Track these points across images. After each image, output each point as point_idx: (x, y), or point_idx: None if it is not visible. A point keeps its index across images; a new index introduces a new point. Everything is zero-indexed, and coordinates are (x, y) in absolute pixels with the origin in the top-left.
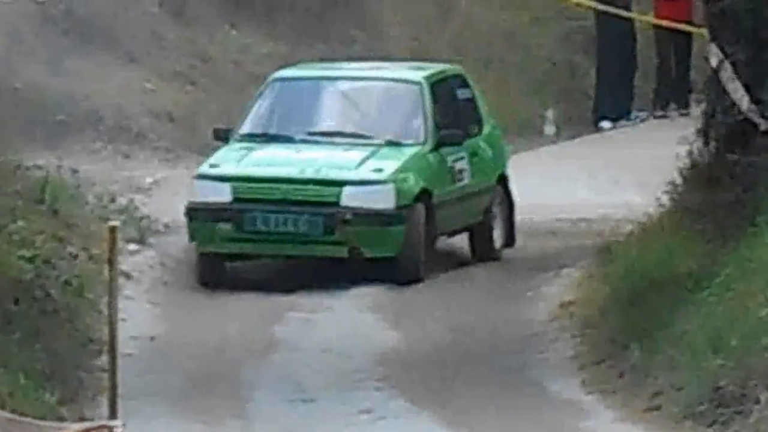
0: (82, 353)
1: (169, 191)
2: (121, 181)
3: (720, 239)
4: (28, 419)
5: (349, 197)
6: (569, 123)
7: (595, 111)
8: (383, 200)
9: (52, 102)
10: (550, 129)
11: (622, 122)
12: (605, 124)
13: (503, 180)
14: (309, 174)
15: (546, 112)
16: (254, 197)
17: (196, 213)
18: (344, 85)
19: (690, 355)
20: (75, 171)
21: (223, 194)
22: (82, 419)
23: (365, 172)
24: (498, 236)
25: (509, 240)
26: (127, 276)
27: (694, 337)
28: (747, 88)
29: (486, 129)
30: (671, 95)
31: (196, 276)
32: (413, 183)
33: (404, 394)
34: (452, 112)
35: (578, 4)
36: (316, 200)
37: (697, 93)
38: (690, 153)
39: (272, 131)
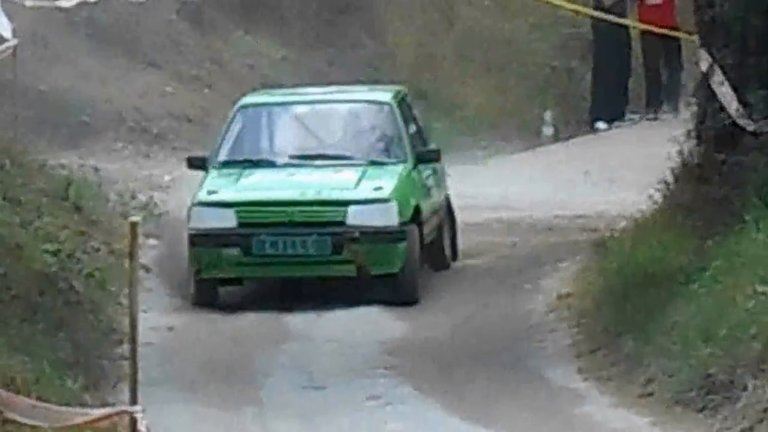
0: (103, 342)
1: (186, 189)
2: (141, 179)
3: (709, 235)
4: (51, 405)
5: (355, 216)
6: (566, 124)
7: (591, 113)
8: (387, 218)
9: (76, 104)
10: (548, 130)
11: (617, 123)
12: (600, 125)
13: (447, 196)
14: (311, 196)
15: (544, 114)
16: (260, 221)
17: (199, 239)
18: (315, 109)
19: (681, 345)
20: (97, 169)
21: (227, 220)
22: (104, 405)
23: (367, 192)
24: (447, 249)
25: (454, 255)
26: (147, 269)
27: (684, 328)
28: (735, 91)
29: (431, 146)
30: (664, 98)
31: (191, 299)
32: (410, 200)
33: (410, 382)
34: (412, 131)
35: (576, 12)
36: (321, 221)
37: (687, 96)
38: (681, 153)
39: (253, 157)
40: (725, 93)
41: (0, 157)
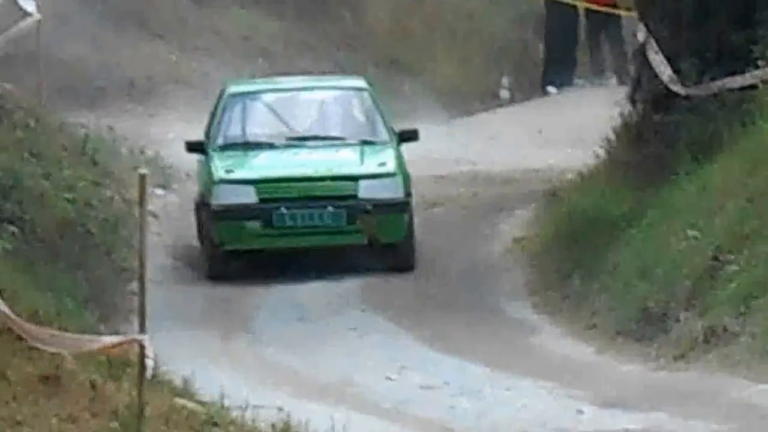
0: (116, 280)
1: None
2: (149, 136)
3: (646, 186)
4: (70, 334)
5: (366, 190)
6: (521, 89)
7: (543, 79)
8: (394, 191)
9: (92, 71)
10: (505, 94)
11: (566, 88)
12: (551, 89)
13: None
14: (324, 172)
15: (502, 79)
16: (279, 196)
17: (222, 214)
18: (301, 95)
19: (622, 283)
20: (111, 128)
21: (248, 196)
22: (116, 334)
23: (374, 167)
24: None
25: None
26: (154, 215)
27: (625, 268)
28: (669, 60)
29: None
30: (607, 66)
31: (204, 271)
32: (407, 175)
33: (384, 315)
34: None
35: None
36: (335, 195)
37: (627, 65)
38: (621, 115)
39: (251, 140)
40: (659, 62)
41: (26, 117)
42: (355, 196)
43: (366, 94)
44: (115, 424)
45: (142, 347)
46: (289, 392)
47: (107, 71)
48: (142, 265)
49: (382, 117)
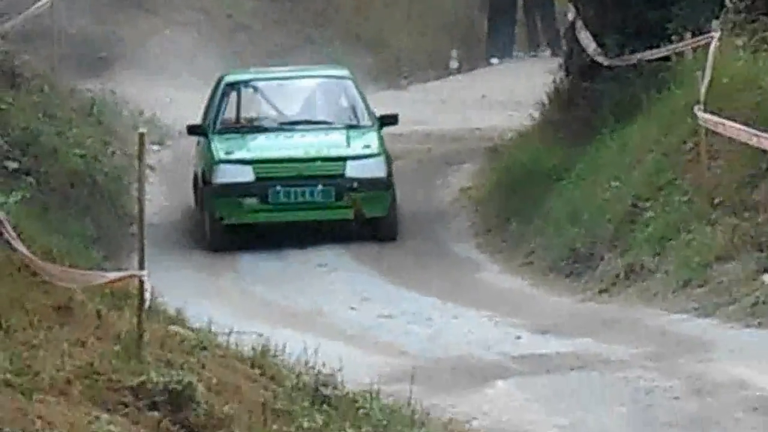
0: (119, 223)
1: (181, 107)
2: (146, 100)
3: (575, 144)
4: (78, 270)
5: (352, 169)
6: (468, 60)
7: (487, 51)
8: (378, 170)
9: (97, 44)
10: (454, 64)
11: (506, 59)
12: (494, 60)
13: None
14: (314, 153)
15: (451, 51)
16: (274, 175)
17: (223, 191)
18: (292, 83)
19: (554, 226)
20: (114, 93)
21: (246, 175)
22: (119, 270)
23: (359, 149)
24: None
25: None
26: (151, 168)
27: (556, 213)
28: (594, 36)
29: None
30: (541, 41)
31: (207, 245)
32: (389, 156)
33: (350, 253)
34: None
35: None
36: (325, 174)
37: (559, 40)
38: (554, 82)
39: (247, 124)
40: (586, 38)
41: (41, 83)
42: (342, 175)
43: (349, 82)
44: (117, 348)
45: (141, 282)
46: (267, 320)
47: (110, 44)
48: (141, 211)
49: (365, 103)
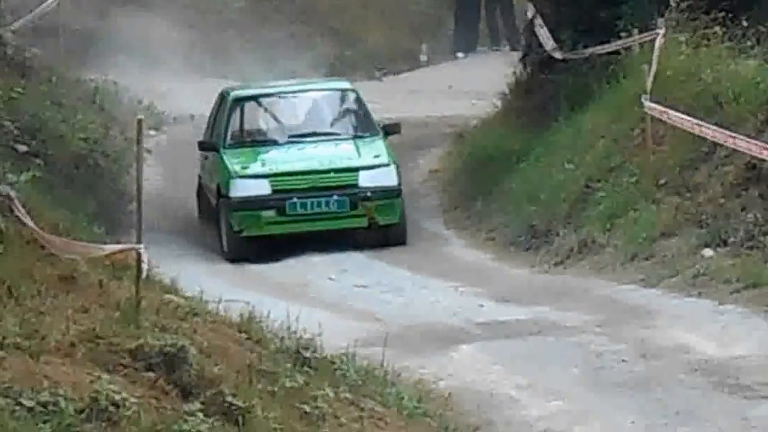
0: (119, 201)
1: (177, 96)
2: (145, 89)
3: (533, 129)
4: (81, 243)
5: (365, 179)
6: (436, 54)
7: (453, 46)
8: (389, 179)
9: (100, 38)
10: (423, 57)
11: (471, 53)
12: (460, 54)
13: None
14: (328, 165)
15: (421, 46)
16: (290, 188)
17: (241, 205)
18: (297, 97)
19: (514, 205)
20: (115, 83)
21: (263, 188)
22: (118, 243)
23: (370, 159)
24: None
25: None
26: (149, 151)
27: (516, 193)
28: (551, 32)
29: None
30: (503, 36)
31: (225, 255)
32: (398, 164)
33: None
34: None
35: None
36: (339, 184)
37: (519, 35)
38: (514, 74)
39: (258, 138)
40: (544, 33)
41: (49, 74)
42: (356, 185)
43: (353, 94)
44: (117, 314)
45: (138, 254)
46: (254, 290)
47: (112, 38)
48: (139, 190)
49: (369, 114)
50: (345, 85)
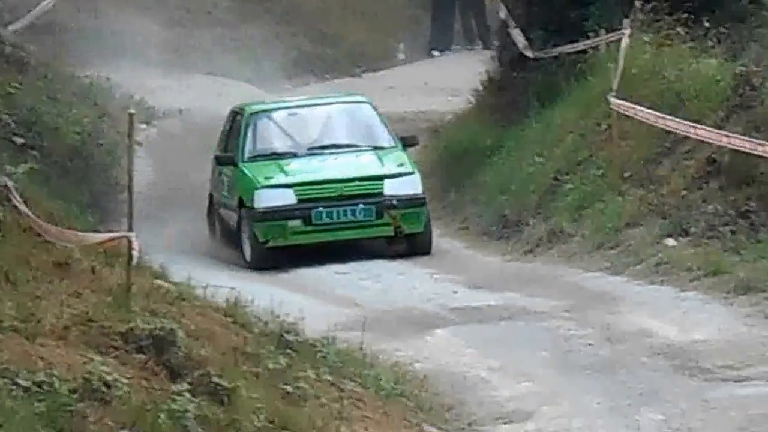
0: (111, 192)
1: (167, 92)
2: (136, 85)
3: (505, 124)
4: (75, 231)
5: (390, 188)
6: (413, 52)
7: (429, 45)
8: (414, 188)
9: (94, 37)
10: (401, 55)
11: (446, 52)
12: (435, 53)
13: None
14: (353, 174)
15: (399, 45)
16: (315, 197)
17: (266, 215)
18: (313, 110)
19: (486, 196)
20: (108, 79)
21: (288, 198)
22: (110, 232)
23: (394, 168)
24: None
25: None
26: (139, 144)
27: (489, 185)
28: (523, 31)
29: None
30: (476, 36)
31: (248, 264)
32: (420, 174)
33: None
34: None
35: None
36: (364, 193)
37: (491, 34)
38: (487, 71)
39: (277, 150)
40: (516, 33)
41: (45, 70)
42: (381, 194)
43: (368, 106)
44: (109, 299)
45: (129, 242)
46: (240, 277)
47: (105, 36)
48: (130, 181)
49: (386, 125)
50: (360, 98)
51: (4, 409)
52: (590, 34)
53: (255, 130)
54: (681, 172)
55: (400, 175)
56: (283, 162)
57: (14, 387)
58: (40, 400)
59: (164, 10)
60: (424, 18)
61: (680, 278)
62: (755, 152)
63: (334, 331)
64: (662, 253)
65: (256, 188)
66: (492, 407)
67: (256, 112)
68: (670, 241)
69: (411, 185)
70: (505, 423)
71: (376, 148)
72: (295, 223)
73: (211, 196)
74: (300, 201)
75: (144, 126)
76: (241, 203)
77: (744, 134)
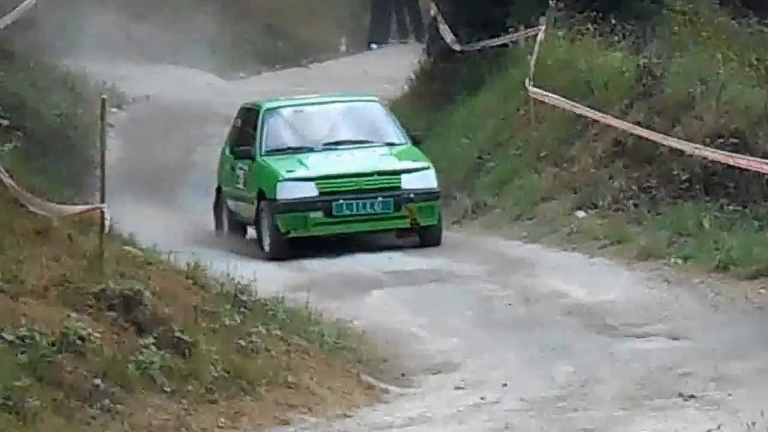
0: (86, 168)
1: (135, 80)
2: (109, 73)
3: (435, 110)
4: (54, 204)
5: (407, 182)
6: (354, 45)
7: (368, 38)
8: (430, 181)
9: (71, 31)
10: (343, 48)
11: (383, 45)
12: (373, 46)
13: None
14: (371, 168)
15: (341, 39)
16: (336, 190)
17: (288, 207)
18: (326, 108)
19: None
20: (83, 67)
21: (309, 191)
22: (85, 204)
23: (410, 164)
24: None
25: None
26: (111, 126)
27: None
28: (450, 27)
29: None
30: (410, 31)
31: (266, 254)
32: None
33: None
34: None
35: None
36: (383, 186)
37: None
38: (420, 62)
39: (294, 145)
40: (444, 29)
41: (28, 60)
42: (399, 188)
43: (378, 105)
44: (84, 263)
45: (102, 213)
46: (200, 243)
47: (82, 31)
48: (102, 158)
49: (396, 122)
50: (370, 96)
51: None
52: (510, 29)
53: (271, 125)
54: (590, 153)
55: (416, 170)
56: (301, 156)
57: (0, 340)
58: (23, 352)
59: (133, 7)
60: (363, 14)
61: (589, 246)
62: (655, 139)
63: (284, 293)
64: (573, 223)
65: (279, 181)
66: (422, 360)
67: (272, 109)
68: (581, 213)
69: (427, 180)
70: (433, 374)
71: (387, 144)
72: (317, 215)
73: (218, 189)
74: (321, 194)
75: (115, 110)
76: (260, 195)
77: (646, 119)
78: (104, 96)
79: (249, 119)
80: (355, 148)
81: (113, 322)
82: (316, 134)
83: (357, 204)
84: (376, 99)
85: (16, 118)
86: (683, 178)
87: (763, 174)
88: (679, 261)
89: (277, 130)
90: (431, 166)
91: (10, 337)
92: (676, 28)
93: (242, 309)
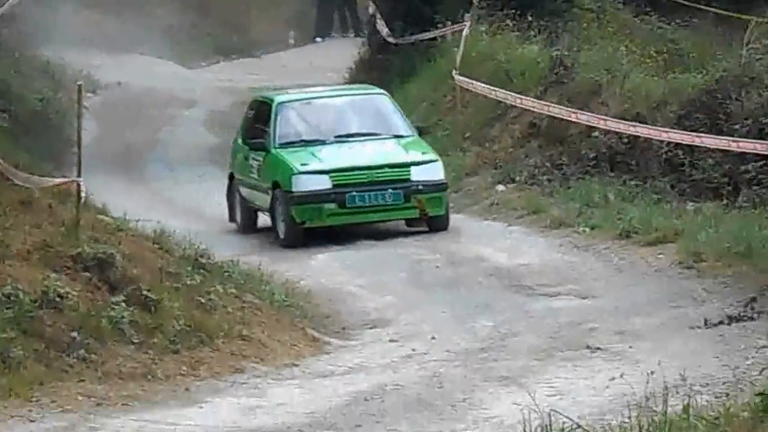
0: (65, 146)
1: (108, 68)
2: (85, 63)
3: None
4: (36, 177)
5: (416, 174)
6: (301, 39)
7: (314, 33)
8: (438, 174)
9: (51, 25)
10: (291, 41)
11: (327, 39)
12: (318, 39)
13: None
14: (382, 161)
15: (290, 33)
16: (349, 182)
17: (303, 199)
18: (336, 101)
19: None
20: (62, 57)
21: (324, 183)
22: (63, 177)
23: (418, 156)
24: None
25: None
26: (86, 108)
27: None
28: (387, 22)
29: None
30: (350, 26)
31: (281, 242)
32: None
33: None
34: None
35: None
36: (393, 178)
37: (362, 25)
38: (359, 54)
39: (306, 138)
40: (381, 24)
41: (13, 50)
42: (408, 179)
43: (386, 98)
44: (62, 229)
45: (78, 185)
46: (164, 213)
47: (62, 26)
48: (78, 136)
49: (402, 115)
50: (377, 90)
51: None
52: (439, 25)
53: (284, 118)
54: (509, 134)
55: (425, 162)
56: (314, 149)
57: None
58: (8, 308)
59: (104, 4)
60: (310, 11)
61: (508, 216)
62: (567, 119)
63: (238, 256)
64: (494, 196)
65: (294, 173)
66: (360, 316)
67: (284, 102)
68: (500, 187)
69: (435, 172)
70: (370, 328)
71: (396, 136)
72: (331, 206)
73: (230, 176)
74: (335, 186)
75: (90, 95)
76: (275, 186)
77: (558, 104)
78: (80, 82)
79: (261, 111)
80: (365, 140)
81: (88, 281)
82: (327, 127)
83: (369, 195)
84: (384, 92)
85: (2, 102)
86: (591, 156)
87: (662, 152)
88: (587, 229)
89: (289, 123)
90: (438, 158)
91: None
92: (585, 24)
93: (202, 270)
